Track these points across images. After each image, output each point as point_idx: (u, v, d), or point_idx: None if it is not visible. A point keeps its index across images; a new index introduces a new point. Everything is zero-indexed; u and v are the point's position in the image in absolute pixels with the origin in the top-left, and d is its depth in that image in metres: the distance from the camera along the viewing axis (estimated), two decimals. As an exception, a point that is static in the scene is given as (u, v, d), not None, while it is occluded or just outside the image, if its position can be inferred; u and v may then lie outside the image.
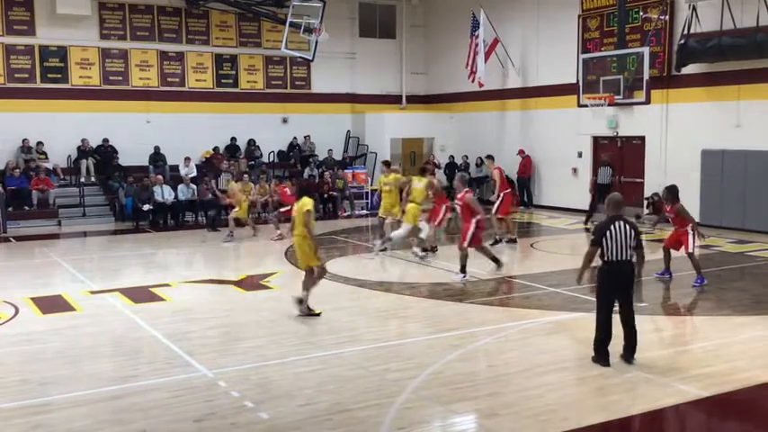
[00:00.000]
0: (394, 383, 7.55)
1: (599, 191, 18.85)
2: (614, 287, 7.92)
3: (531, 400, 7.07)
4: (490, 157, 18.50)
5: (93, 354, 8.85)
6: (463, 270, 12.42)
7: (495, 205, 16.28)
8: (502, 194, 16.29)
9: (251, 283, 12.57)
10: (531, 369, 7.98)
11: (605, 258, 7.90)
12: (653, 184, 20.05)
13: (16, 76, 21.76)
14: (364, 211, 22.94)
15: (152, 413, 6.83)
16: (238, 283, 12.57)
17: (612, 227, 7.89)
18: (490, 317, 10.30)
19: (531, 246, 16.75)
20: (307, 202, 10.11)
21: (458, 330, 9.50)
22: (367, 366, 8.13)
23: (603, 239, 7.86)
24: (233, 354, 8.68)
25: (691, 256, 11.96)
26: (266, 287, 12.38)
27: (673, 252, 12.30)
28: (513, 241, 16.42)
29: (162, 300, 11.46)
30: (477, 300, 11.22)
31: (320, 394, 7.27)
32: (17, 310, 10.72)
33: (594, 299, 8.21)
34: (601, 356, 7.97)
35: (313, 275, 10.28)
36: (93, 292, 11.92)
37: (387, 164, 16.64)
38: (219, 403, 7.06)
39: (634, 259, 8.05)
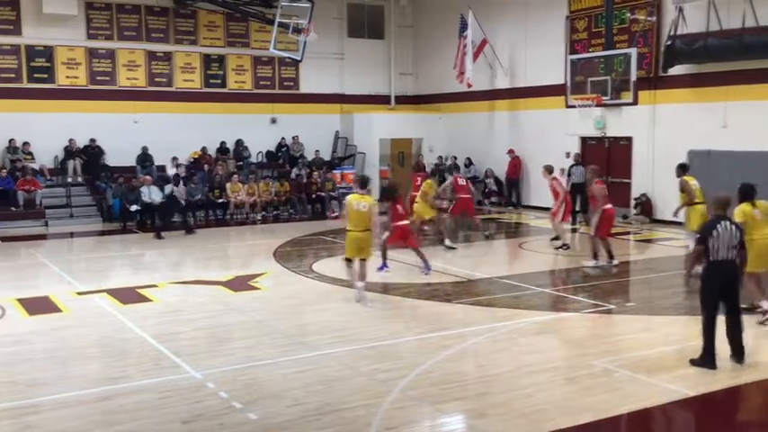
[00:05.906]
0: (383, 384, 7.56)
1: (574, 190, 19.11)
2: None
3: (520, 400, 7.10)
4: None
5: (80, 355, 8.82)
6: (595, 257, 13.69)
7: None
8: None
9: (239, 284, 12.54)
10: (520, 369, 8.01)
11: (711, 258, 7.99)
12: (640, 184, 20.23)
13: (2, 75, 21.57)
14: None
15: (140, 414, 6.82)
16: (227, 284, 12.53)
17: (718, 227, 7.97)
18: (479, 317, 10.32)
19: (520, 246, 16.81)
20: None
21: (447, 330, 9.52)
22: (356, 367, 8.13)
23: (710, 239, 7.93)
24: (221, 355, 8.66)
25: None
26: (255, 288, 12.35)
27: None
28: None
29: (149, 300, 11.41)
30: (465, 300, 11.24)
31: (309, 395, 7.27)
32: (3, 312, 10.66)
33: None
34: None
35: None
36: (80, 293, 11.87)
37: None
38: (208, 404, 7.05)
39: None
